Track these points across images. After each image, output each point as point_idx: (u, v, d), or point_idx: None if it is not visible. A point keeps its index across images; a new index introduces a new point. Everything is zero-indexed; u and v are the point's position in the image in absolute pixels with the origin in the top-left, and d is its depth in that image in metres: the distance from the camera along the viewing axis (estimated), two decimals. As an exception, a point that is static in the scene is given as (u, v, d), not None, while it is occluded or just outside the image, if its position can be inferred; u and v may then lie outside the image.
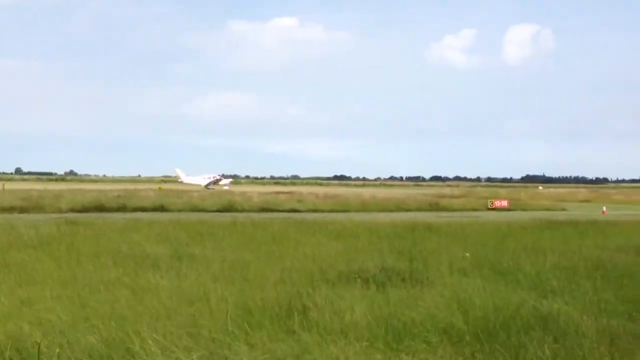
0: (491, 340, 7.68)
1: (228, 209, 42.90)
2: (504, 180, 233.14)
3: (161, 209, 41.44)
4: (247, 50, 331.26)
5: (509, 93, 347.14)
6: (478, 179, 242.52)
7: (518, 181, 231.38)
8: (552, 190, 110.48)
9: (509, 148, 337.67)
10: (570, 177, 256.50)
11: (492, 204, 55.32)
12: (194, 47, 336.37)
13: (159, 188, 73.25)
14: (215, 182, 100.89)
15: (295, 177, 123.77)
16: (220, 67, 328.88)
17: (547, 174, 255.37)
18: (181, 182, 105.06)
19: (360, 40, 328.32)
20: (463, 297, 9.81)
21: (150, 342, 7.02)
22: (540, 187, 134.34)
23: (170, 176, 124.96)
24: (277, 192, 66.64)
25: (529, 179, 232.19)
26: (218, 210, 41.41)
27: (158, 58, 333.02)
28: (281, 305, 9.15)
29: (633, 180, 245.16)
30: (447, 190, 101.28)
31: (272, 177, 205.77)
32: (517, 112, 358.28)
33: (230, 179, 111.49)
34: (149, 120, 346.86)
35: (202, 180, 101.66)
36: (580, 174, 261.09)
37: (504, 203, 56.51)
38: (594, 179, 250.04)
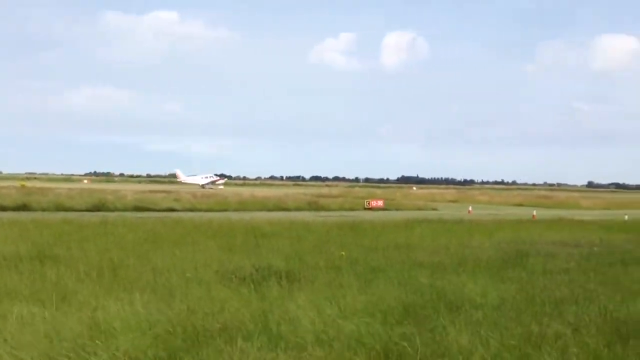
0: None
1: (99, 208, 40.69)
2: (381, 180, 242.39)
3: (24, 207, 38.50)
4: (123, 43, 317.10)
5: (386, 97, 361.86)
6: (356, 180, 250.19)
7: (394, 182, 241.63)
8: (424, 190, 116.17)
9: (386, 150, 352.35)
10: (442, 178, 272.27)
11: (368, 203, 57.02)
12: (65, 38, 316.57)
13: (22, 186, 68.22)
14: (213, 182, 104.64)
15: (173, 175, 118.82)
16: (94, 60, 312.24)
17: (421, 175, 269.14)
18: (180, 182, 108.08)
19: (242, 38, 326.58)
20: (337, 294, 9.98)
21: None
22: (414, 188, 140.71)
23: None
24: (153, 191, 64.18)
25: (404, 180, 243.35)
26: (87, 210, 39.18)
27: (26, 46, 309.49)
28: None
29: (496, 182, 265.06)
30: (325, 190, 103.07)
31: (148, 176, 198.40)
32: (393, 116, 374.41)
33: (225, 179, 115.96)
34: (14, 113, 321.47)
35: (201, 180, 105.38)
36: (451, 176, 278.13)
37: (380, 203, 58.42)
38: (462, 180, 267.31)
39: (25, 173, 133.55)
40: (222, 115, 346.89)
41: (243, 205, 48.06)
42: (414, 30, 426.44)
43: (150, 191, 63.62)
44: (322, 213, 43.72)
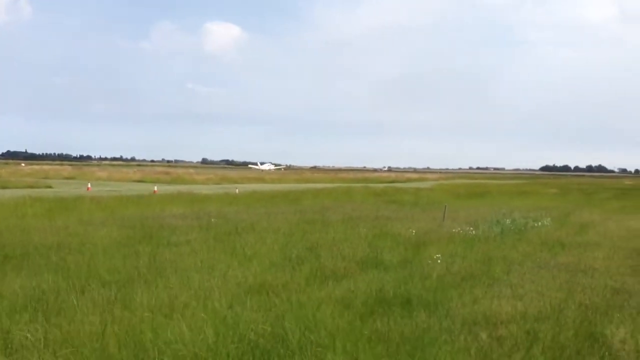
0: None
1: None
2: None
3: None
4: None
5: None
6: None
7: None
8: (35, 167, 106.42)
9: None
10: (55, 154, 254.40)
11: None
12: None
13: None
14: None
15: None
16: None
17: (30, 151, 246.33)
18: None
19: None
20: None
21: None
22: (23, 164, 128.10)
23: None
24: None
25: (11, 155, 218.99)
26: None
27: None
28: None
29: (115, 159, 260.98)
30: None
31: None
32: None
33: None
34: None
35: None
36: (65, 152, 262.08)
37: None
38: (78, 156, 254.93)
39: None
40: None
41: None
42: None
43: None
44: None
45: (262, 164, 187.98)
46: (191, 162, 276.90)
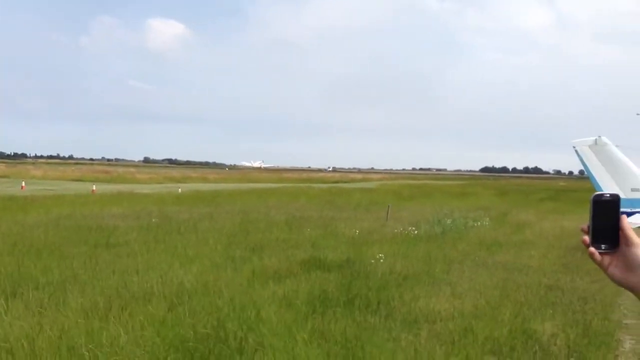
0: None
1: None
2: None
3: None
4: None
5: None
6: None
7: None
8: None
9: None
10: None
11: None
12: None
13: None
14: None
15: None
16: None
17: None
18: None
19: None
20: None
21: None
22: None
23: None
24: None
25: None
26: None
27: None
28: None
29: (51, 157, 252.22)
30: None
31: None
32: None
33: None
34: None
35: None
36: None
37: None
38: (12, 154, 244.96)
39: None
40: None
41: None
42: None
43: None
44: None
45: (254, 162, 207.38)
46: (133, 161, 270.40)
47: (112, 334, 6.68)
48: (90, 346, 6.24)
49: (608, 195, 1.48)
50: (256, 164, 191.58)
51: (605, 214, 1.47)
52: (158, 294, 8.99)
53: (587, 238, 1.49)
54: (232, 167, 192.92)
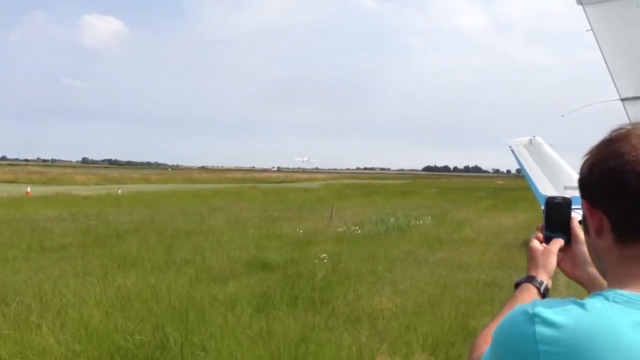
0: None
1: None
2: None
3: None
4: None
5: None
6: None
7: None
8: None
9: None
10: None
11: None
12: None
13: None
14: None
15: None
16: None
17: None
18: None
19: None
20: None
21: None
22: None
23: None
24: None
25: None
26: None
27: None
28: None
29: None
30: None
31: None
32: None
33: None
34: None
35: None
36: None
37: None
38: None
39: None
40: None
41: None
42: None
43: None
44: None
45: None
46: (70, 161, 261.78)
47: (42, 343, 6.40)
48: (18, 358, 5.96)
49: (560, 198, 1.61)
50: (305, 159, 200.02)
51: (558, 215, 1.60)
52: (95, 298, 8.70)
53: (541, 235, 1.61)
54: (175, 168, 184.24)
